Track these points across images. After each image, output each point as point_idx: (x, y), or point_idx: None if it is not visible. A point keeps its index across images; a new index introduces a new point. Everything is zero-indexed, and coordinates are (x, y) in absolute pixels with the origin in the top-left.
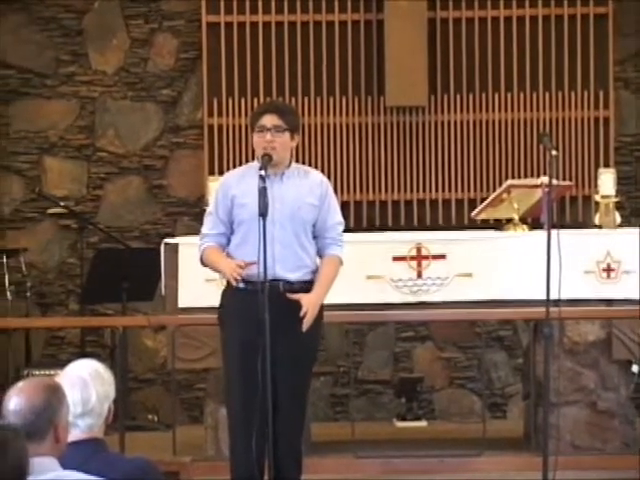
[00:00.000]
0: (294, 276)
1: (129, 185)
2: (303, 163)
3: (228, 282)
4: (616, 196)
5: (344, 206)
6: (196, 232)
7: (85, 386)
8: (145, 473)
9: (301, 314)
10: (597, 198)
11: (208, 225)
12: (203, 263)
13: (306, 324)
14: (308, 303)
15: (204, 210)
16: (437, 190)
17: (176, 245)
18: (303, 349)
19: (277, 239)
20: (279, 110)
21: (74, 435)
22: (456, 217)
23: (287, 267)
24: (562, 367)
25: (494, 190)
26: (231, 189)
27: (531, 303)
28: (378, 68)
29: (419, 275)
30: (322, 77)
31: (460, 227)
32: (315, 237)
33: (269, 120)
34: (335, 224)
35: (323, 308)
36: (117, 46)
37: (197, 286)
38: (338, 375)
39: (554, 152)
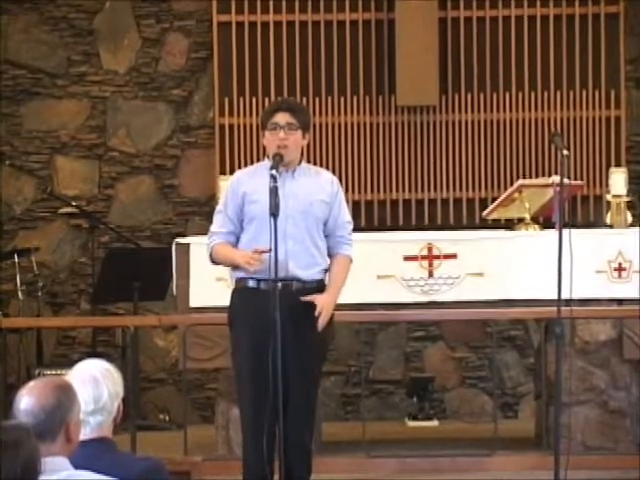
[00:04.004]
0: (306, 274)
1: (140, 185)
2: (314, 162)
3: (237, 282)
4: (627, 195)
5: (355, 206)
6: (207, 232)
7: (97, 384)
8: (154, 474)
9: (316, 313)
10: (608, 197)
11: (217, 223)
12: (213, 260)
13: (321, 324)
14: (322, 303)
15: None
16: (448, 189)
17: (187, 245)
18: (313, 349)
19: (290, 235)
20: (292, 108)
21: (84, 433)
22: (467, 216)
23: (300, 264)
24: (573, 367)
25: (505, 189)
26: (242, 186)
27: (542, 302)
28: (389, 67)
29: (430, 274)
30: (333, 76)
31: (471, 226)
32: (325, 236)
33: (282, 118)
34: (345, 223)
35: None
36: (128, 46)
37: (208, 286)
38: (349, 375)
39: (565, 152)
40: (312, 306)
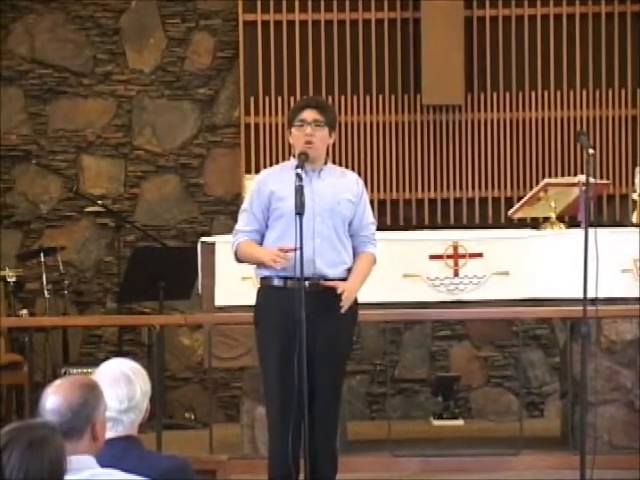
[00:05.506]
0: (333, 272)
1: (166, 184)
2: (340, 161)
3: (262, 280)
4: None
5: (380, 205)
6: (233, 231)
7: (130, 382)
8: (180, 472)
9: (338, 291)
10: (634, 196)
11: (242, 222)
12: (238, 258)
13: (344, 302)
14: (344, 286)
15: None
16: (474, 188)
17: (213, 244)
18: (338, 347)
19: (317, 233)
20: (320, 106)
21: (116, 431)
22: (493, 216)
23: (327, 262)
24: (599, 366)
25: (531, 188)
26: (268, 185)
27: (568, 302)
28: (415, 66)
29: (456, 274)
30: (359, 75)
31: (497, 226)
32: (350, 236)
33: (310, 115)
34: (369, 223)
35: (358, 306)
36: (154, 45)
37: (234, 284)
38: (375, 374)
39: (591, 150)
40: (334, 293)
